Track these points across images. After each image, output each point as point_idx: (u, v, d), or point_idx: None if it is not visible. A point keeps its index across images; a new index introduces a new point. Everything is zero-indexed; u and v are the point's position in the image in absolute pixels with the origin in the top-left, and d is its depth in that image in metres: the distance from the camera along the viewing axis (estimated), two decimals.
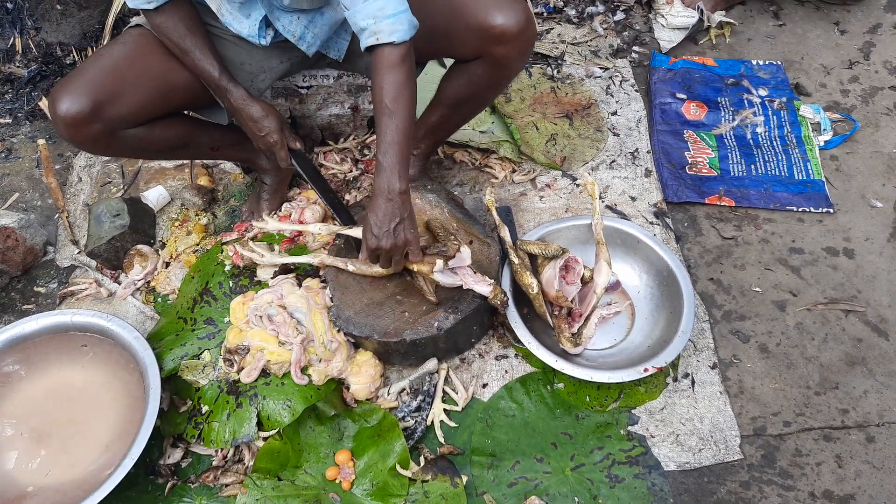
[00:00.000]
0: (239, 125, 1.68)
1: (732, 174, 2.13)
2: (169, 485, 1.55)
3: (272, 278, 1.74)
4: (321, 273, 1.74)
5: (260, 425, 1.55)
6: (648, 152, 2.19)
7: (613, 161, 2.17)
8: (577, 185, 2.09)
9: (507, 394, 1.68)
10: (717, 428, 1.63)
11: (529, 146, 2.17)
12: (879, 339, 1.78)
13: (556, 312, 1.69)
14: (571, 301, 1.67)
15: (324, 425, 1.61)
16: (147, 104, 1.57)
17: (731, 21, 2.57)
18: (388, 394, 1.65)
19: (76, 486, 1.46)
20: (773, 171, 2.13)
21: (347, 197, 2.02)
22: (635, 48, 2.55)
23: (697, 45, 2.55)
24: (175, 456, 1.58)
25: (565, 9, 2.69)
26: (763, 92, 2.35)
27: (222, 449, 1.59)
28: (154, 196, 2.05)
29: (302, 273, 1.77)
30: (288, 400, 1.55)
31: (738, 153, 2.19)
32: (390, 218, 1.47)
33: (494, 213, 1.81)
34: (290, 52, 1.72)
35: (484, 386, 1.70)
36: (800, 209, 2.04)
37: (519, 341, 1.66)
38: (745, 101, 2.33)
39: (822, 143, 2.20)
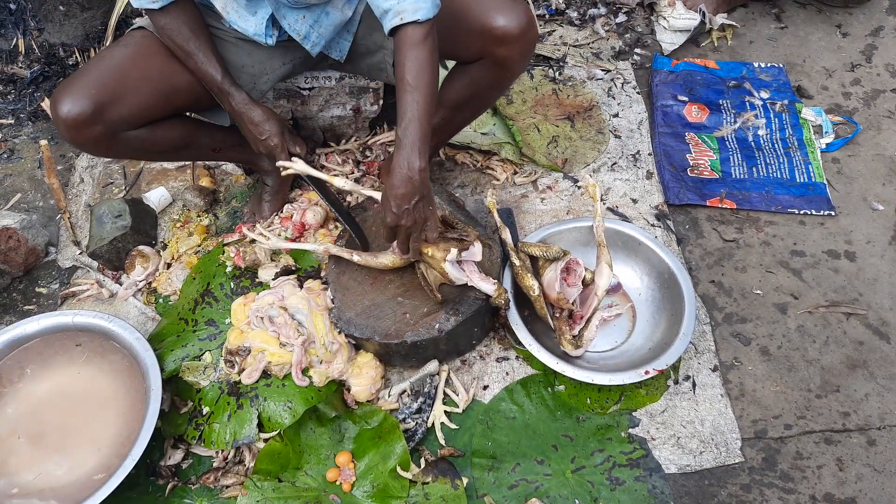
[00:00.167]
0: (240, 129, 1.68)
1: (734, 176, 2.13)
2: (169, 486, 1.55)
3: (273, 279, 1.74)
4: (322, 274, 1.74)
5: (261, 427, 1.55)
6: (650, 154, 2.19)
7: (615, 163, 2.17)
8: (579, 187, 2.09)
9: (508, 396, 1.68)
10: (718, 430, 1.63)
11: (531, 148, 2.17)
12: (881, 342, 1.78)
13: (557, 314, 1.69)
14: (572, 303, 1.67)
15: (324, 427, 1.61)
16: (149, 106, 1.58)
17: (733, 23, 2.57)
18: (389, 395, 1.65)
19: (77, 487, 1.46)
20: (775, 174, 2.13)
21: (349, 198, 2.02)
22: (637, 50, 2.55)
23: (699, 48, 2.55)
24: (176, 457, 1.59)
25: (567, 11, 2.69)
26: (765, 94, 2.35)
27: (223, 450, 1.59)
28: (156, 197, 2.05)
29: (303, 274, 1.77)
30: (289, 401, 1.55)
31: (739, 155, 2.18)
32: (410, 195, 1.42)
33: (496, 214, 1.81)
34: (292, 52, 1.72)
35: (485, 388, 1.70)
36: (801, 212, 2.04)
37: (520, 343, 1.66)
38: (747, 103, 2.33)
39: (823, 146, 2.20)
